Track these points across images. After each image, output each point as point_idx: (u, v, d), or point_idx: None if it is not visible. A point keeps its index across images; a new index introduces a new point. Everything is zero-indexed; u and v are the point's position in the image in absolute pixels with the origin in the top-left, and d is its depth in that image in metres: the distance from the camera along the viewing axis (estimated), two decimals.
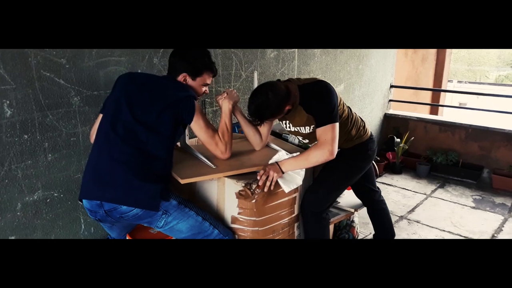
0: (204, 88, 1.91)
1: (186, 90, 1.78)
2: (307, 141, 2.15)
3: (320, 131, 1.87)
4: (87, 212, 1.69)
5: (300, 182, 1.93)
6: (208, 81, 1.91)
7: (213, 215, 1.96)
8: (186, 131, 2.11)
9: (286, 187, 1.88)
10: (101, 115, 1.75)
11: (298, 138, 2.21)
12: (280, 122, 2.14)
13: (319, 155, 1.86)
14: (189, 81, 1.84)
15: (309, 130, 2.02)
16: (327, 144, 1.84)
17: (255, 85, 2.28)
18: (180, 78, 1.83)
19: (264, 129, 2.14)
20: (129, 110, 1.67)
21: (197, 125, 1.77)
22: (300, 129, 2.05)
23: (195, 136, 2.39)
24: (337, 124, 1.87)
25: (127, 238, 1.93)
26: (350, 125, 2.11)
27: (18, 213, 1.84)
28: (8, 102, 1.71)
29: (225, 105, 1.95)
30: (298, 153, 1.95)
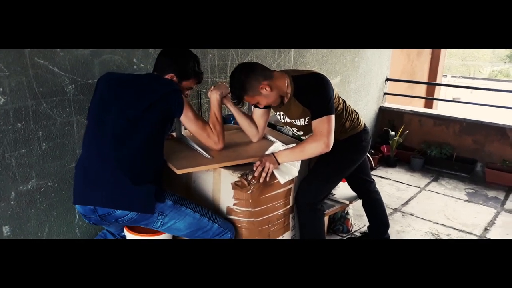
0: (186, 92, 1.91)
1: (172, 85, 1.76)
2: (301, 133, 2.15)
3: (315, 123, 1.87)
4: (81, 216, 1.68)
5: (296, 174, 1.93)
6: (193, 86, 1.92)
7: (209, 206, 1.96)
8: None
9: (281, 178, 1.88)
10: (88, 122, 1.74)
11: (292, 130, 2.20)
12: (275, 113, 2.13)
13: (314, 147, 1.86)
14: (175, 81, 1.83)
15: (304, 122, 2.02)
16: (323, 136, 1.84)
17: None
18: (168, 77, 1.82)
19: (260, 120, 2.13)
20: (115, 108, 1.65)
21: (186, 118, 1.76)
22: (295, 121, 2.05)
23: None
24: (333, 116, 1.87)
25: (125, 230, 1.91)
26: (344, 117, 2.11)
27: (12, 202, 1.82)
28: (1, 89, 1.68)
29: (213, 96, 1.94)
30: (294, 144, 1.95)
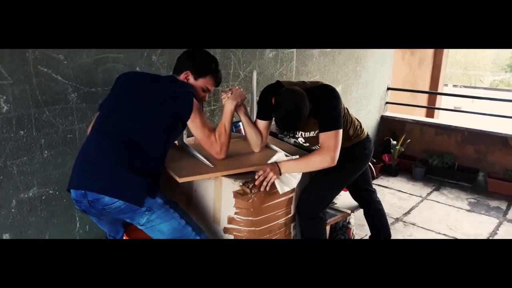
0: (203, 94, 1.89)
1: (186, 87, 1.77)
2: (307, 144, 2.14)
3: (323, 136, 1.87)
4: (73, 202, 1.66)
5: (295, 186, 1.93)
6: (210, 87, 1.89)
7: (210, 215, 1.95)
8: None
9: (280, 189, 1.88)
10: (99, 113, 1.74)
11: (298, 140, 2.19)
12: None
13: (320, 161, 1.86)
14: (191, 80, 1.83)
15: (313, 134, 2.02)
16: (330, 150, 1.84)
17: (254, 85, 2.27)
18: (182, 76, 1.82)
19: (264, 131, 2.10)
20: (126, 105, 1.67)
21: (193, 123, 1.75)
22: (304, 134, 2.05)
23: (193, 135, 2.39)
24: (340, 131, 1.87)
25: (124, 238, 1.90)
26: (348, 125, 2.11)
27: (13, 210, 1.82)
28: (4, 97, 1.69)
29: (228, 105, 1.91)
30: (297, 156, 1.95)
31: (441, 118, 6.65)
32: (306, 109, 1.84)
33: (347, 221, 2.79)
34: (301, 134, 2.06)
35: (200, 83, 1.85)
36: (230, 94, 1.94)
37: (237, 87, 2.00)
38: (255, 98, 2.27)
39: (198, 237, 1.72)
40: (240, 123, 2.24)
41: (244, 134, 2.19)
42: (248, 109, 2.31)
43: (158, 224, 1.65)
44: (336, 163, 1.86)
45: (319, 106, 1.91)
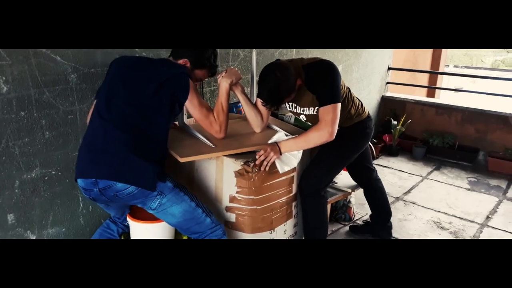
0: (196, 83, 1.91)
1: (181, 68, 1.76)
2: (310, 124, 2.14)
3: (322, 111, 1.86)
4: (81, 191, 1.68)
5: (295, 165, 1.94)
6: (204, 78, 1.93)
7: (212, 195, 1.97)
8: (184, 110, 2.10)
9: (281, 168, 1.89)
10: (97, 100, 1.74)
11: (301, 119, 2.19)
12: (285, 103, 2.11)
13: (318, 137, 1.86)
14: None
15: (313, 111, 2.02)
16: (327, 125, 1.84)
17: (254, 64, 2.26)
18: (181, 62, 1.82)
19: (265, 111, 2.10)
20: (124, 90, 1.66)
21: (191, 103, 1.76)
22: (304, 109, 2.04)
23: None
24: (339, 105, 1.87)
25: (127, 218, 1.92)
26: (350, 104, 2.11)
27: (16, 191, 1.83)
28: (4, 78, 1.68)
29: (223, 84, 1.92)
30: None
31: (442, 98, 6.63)
32: (287, 82, 1.83)
33: (347, 200, 2.82)
34: (302, 110, 2.05)
35: (196, 73, 1.87)
36: (224, 73, 1.95)
37: (231, 67, 2.01)
38: (256, 78, 2.26)
39: (208, 219, 1.75)
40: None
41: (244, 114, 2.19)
42: (249, 89, 2.31)
43: (170, 207, 1.67)
44: (334, 137, 1.86)
45: (315, 81, 1.90)
